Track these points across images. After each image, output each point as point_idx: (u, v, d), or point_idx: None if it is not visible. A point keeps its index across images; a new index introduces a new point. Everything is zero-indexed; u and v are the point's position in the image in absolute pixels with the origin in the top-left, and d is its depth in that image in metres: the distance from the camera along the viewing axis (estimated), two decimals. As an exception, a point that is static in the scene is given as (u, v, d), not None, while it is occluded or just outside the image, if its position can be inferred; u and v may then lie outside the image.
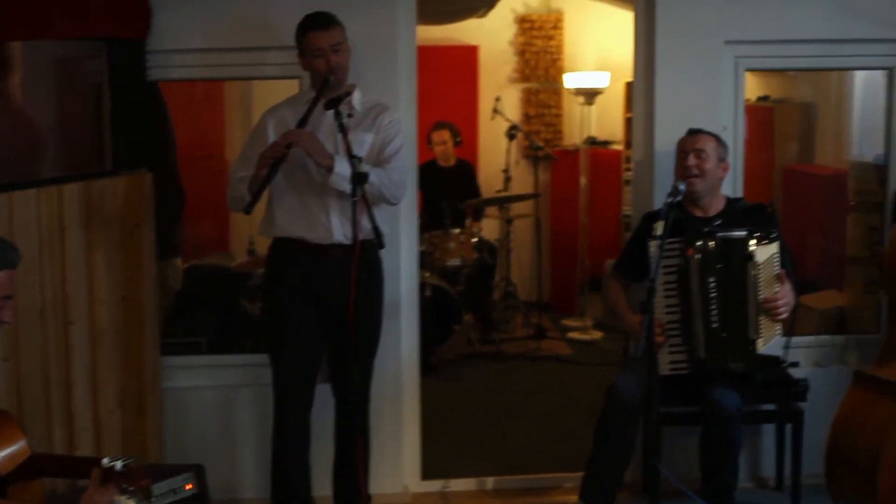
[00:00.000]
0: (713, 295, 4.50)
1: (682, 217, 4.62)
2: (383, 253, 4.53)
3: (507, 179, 9.23)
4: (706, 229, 4.57)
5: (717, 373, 4.54)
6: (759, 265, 4.48)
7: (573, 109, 9.67)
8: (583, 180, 9.19)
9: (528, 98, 9.93)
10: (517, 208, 9.11)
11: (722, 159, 4.77)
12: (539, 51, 9.83)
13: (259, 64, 5.10)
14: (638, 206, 5.28)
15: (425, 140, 8.74)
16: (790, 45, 5.20)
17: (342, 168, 4.21)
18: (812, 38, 5.18)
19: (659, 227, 4.26)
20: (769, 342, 4.51)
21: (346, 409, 4.63)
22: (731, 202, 4.85)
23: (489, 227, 8.98)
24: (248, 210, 4.30)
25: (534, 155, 9.17)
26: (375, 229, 4.09)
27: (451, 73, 9.62)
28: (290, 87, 5.01)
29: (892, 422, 3.87)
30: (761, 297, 4.48)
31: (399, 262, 5.11)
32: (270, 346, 4.63)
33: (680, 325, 4.57)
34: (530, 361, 7.99)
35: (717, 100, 5.16)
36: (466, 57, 9.73)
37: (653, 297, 4.22)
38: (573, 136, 9.78)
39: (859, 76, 6.29)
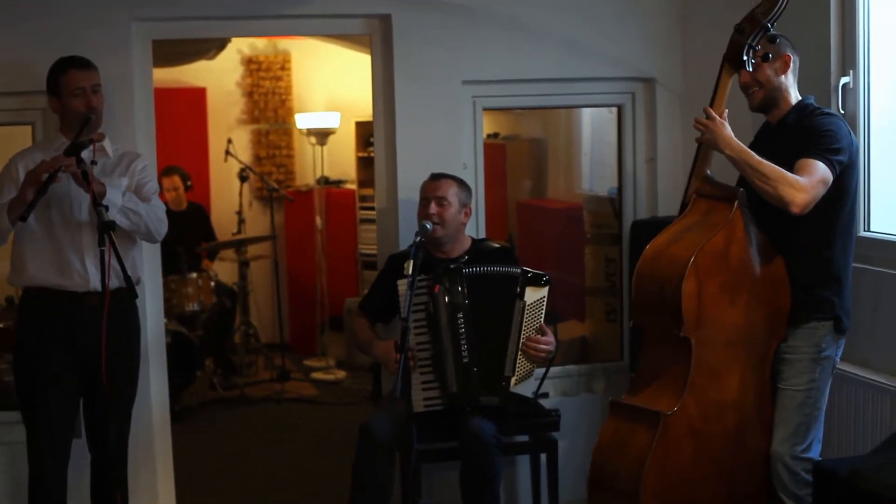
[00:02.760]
0: (462, 330, 4.55)
1: (427, 258, 4.67)
2: (128, 299, 4.46)
3: (241, 221, 9.16)
4: (452, 266, 4.62)
5: (471, 407, 4.59)
6: (526, 305, 4.57)
7: (305, 149, 9.68)
8: (318, 220, 9.18)
9: (259, 139, 9.87)
10: (253, 250, 9.02)
11: (465, 204, 4.81)
12: (267, 92, 9.80)
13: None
14: (383, 248, 5.30)
15: (158, 185, 8.55)
16: (524, 84, 5.38)
17: (114, 195, 4.19)
18: (544, 77, 5.36)
19: (409, 267, 4.29)
20: (522, 382, 4.61)
21: (103, 464, 4.50)
22: (476, 243, 4.92)
23: (226, 270, 8.86)
24: (2, 241, 4.26)
25: (268, 196, 9.10)
26: (127, 278, 3.95)
27: (180, 116, 9.44)
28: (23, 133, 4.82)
29: (649, 448, 4.01)
30: (524, 336, 4.57)
31: (144, 308, 4.97)
32: (23, 403, 4.45)
33: (432, 361, 4.60)
34: (276, 404, 7.92)
35: (458, 139, 5.25)
36: (194, 99, 9.59)
37: (408, 336, 4.24)
38: (306, 176, 9.77)
39: (586, 112, 6.54)
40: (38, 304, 4.41)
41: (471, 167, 5.31)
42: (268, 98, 9.81)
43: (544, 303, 4.61)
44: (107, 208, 3.95)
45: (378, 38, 5.21)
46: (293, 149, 9.95)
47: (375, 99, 5.25)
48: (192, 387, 7.65)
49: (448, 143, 5.22)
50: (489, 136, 7.80)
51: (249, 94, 9.80)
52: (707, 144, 4.21)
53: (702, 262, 4.05)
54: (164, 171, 8.46)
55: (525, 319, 4.58)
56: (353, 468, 4.59)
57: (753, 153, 4.06)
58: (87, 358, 4.32)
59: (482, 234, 5.33)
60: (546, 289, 4.61)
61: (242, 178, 9.06)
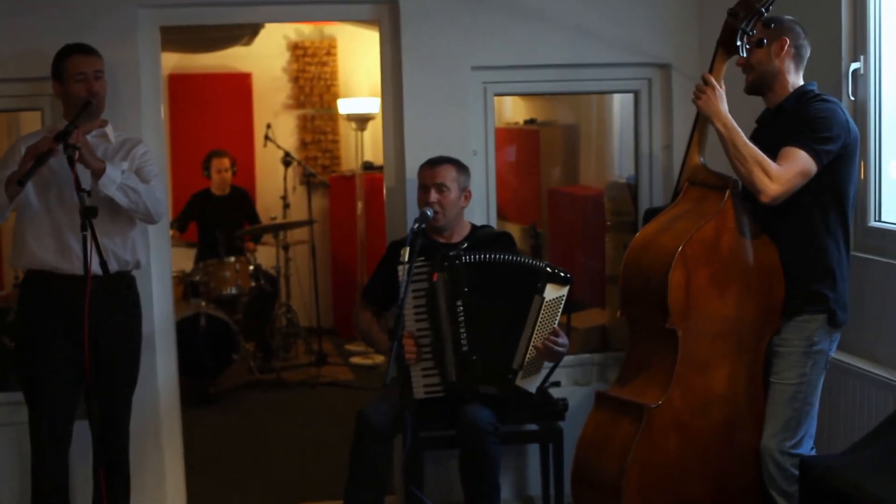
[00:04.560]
0: (461, 319, 4.50)
1: (428, 244, 4.64)
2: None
3: (286, 206, 9.20)
4: (452, 253, 4.58)
5: (471, 395, 4.55)
6: (545, 301, 4.49)
7: (349, 135, 9.67)
8: (359, 205, 9.18)
9: (304, 124, 9.90)
10: (295, 235, 9.05)
11: (464, 188, 4.76)
12: (313, 77, 9.82)
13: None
14: (392, 232, 5.27)
15: (199, 169, 8.65)
16: (537, 69, 5.31)
17: (113, 172, 4.23)
18: (557, 62, 5.28)
19: (405, 254, 4.25)
20: (529, 377, 4.56)
21: (106, 447, 4.46)
22: (475, 229, 4.87)
23: (270, 255, 8.88)
24: (1, 218, 4.30)
25: (309, 181, 9.14)
26: (102, 263, 3.98)
27: (225, 101, 9.56)
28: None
29: (633, 442, 3.94)
30: (537, 332, 4.50)
31: (152, 293, 4.99)
32: (25, 385, 4.51)
33: (431, 348, 4.57)
34: (311, 388, 7.95)
35: (467, 125, 5.20)
36: (240, 84, 9.66)
37: (400, 324, 4.20)
38: (350, 161, 9.77)
39: (616, 98, 6.44)
40: (39, 286, 4.46)
41: (481, 153, 5.25)
42: (313, 83, 9.84)
43: (563, 302, 4.53)
44: (89, 193, 3.96)
45: (386, 24, 5.18)
46: (338, 134, 9.98)
47: (384, 84, 5.23)
48: (229, 370, 7.68)
49: (457, 129, 5.17)
50: (526, 121, 7.75)
51: (295, 80, 9.84)
52: (701, 110, 4.10)
53: (690, 252, 3.97)
54: (214, 153, 8.60)
55: (541, 316, 4.50)
56: (350, 456, 4.58)
57: (742, 134, 3.96)
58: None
59: (493, 224, 5.28)
60: (567, 288, 4.52)
61: (286, 163, 9.09)
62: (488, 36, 5.17)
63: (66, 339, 4.39)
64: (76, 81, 4.40)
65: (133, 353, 4.64)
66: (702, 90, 4.09)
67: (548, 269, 4.53)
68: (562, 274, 4.51)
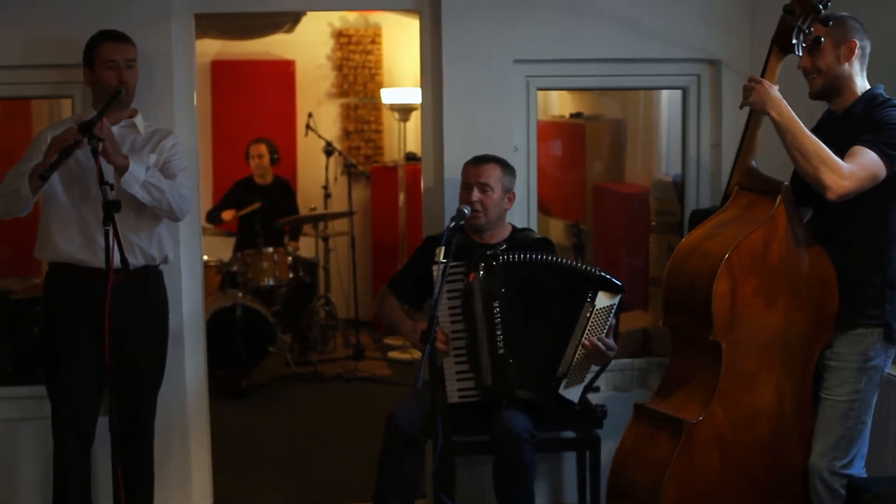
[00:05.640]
0: (498, 320, 4.34)
1: (465, 242, 4.48)
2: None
3: (327, 196, 9.07)
4: (489, 252, 4.43)
5: (507, 400, 4.40)
6: (595, 309, 4.33)
7: (392, 125, 9.53)
8: (401, 196, 9.04)
9: (348, 113, 9.78)
10: (336, 226, 8.93)
11: (508, 189, 4.62)
12: (357, 66, 9.69)
13: (25, 83, 4.84)
14: (430, 229, 5.12)
15: (241, 157, 8.61)
16: (581, 64, 5.12)
17: (137, 170, 4.15)
18: (603, 57, 5.11)
19: (440, 253, 4.09)
20: (571, 386, 4.41)
21: (128, 444, 4.40)
22: (515, 231, 4.72)
23: (308, 245, 8.76)
24: (25, 209, 4.24)
25: (350, 172, 9.01)
26: (123, 260, 3.85)
27: (268, 89, 9.47)
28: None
29: (671, 457, 3.76)
30: (586, 340, 4.34)
31: (181, 287, 4.90)
32: (48, 379, 4.43)
33: (466, 350, 4.42)
34: (346, 382, 7.82)
35: (509, 120, 5.04)
36: (283, 72, 9.56)
37: (434, 326, 4.04)
38: (393, 152, 9.64)
39: (664, 93, 6.25)
40: (63, 279, 4.38)
41: (523, 149, 5.09)
42: (357, 72, 9.71)
43: (613, 310, 4.37)
44: (111, 186, 3.85)
45: (427, 15, 5.02)
46: (382, 124, 9.84)
47: (423, 76, 5.07)
48: (265, 362, 7.60)
49: (498, 124, 5.01)
50: (572, 115, 7.57)
51: (339, 68, 9.71)
52: (754, 107, 3.90)
53: (737, 260, 3.78)
54: (252, 141, 8.52)
55: (590, 324, 4.34)
56: (379, 460, 4.48)
57: (801, 124, 3.76)
58: (111, 334, 4.19)
59: (534, 221, 5.14)
60: (619, 297, 4.36)
61: (328, 153, 8.95)
62: (532, 28, 5.00)
63: (90, 334, 4.29)
64: (107, 69, 4.32)
65: (159, 350, 4.56)
66: (750, 88, 3.90)
67: (600, 274, 4.36)
68: (615, 282, 4.35)
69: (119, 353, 4.14)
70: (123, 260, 3.82)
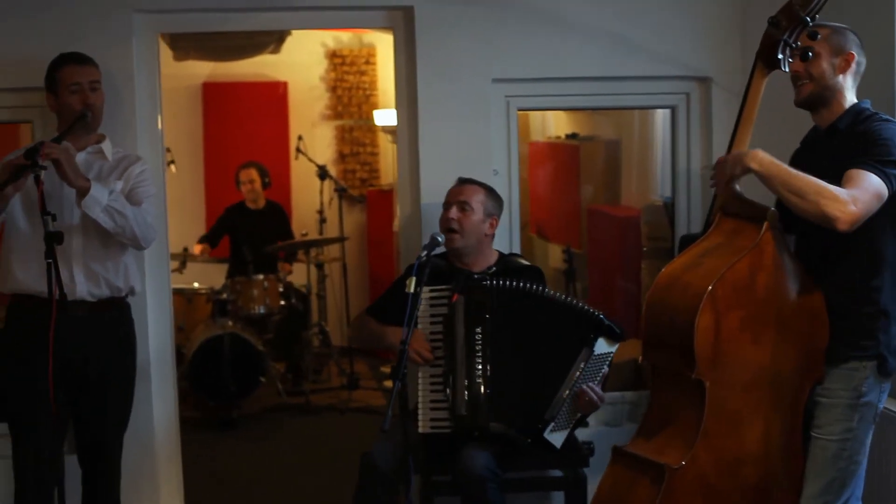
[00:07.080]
0: (478, 348, 4.13)
1: (450, 269, 4.30)
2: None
3: (322, 221, 8.86)
4: (476, 275, 4.24)
5: (481, 433, 4.17)
6: (593, 354, 4.14)
7: (388, 147, 9.33)
8: (395, 221, 8.82)
9: (342, 136, 9.61)
10: (331, 251, 8.74)
11: (490, 214, 4.41)
12: (351, 87, 9.53)
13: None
14: (407, 258, 4.91)
15: (233, 181, 8.44)
16: (564, 83, 4.95)
17: (99, 193, 4.01)
18: (587, 75, 4.92)
19: (411, 285, 3.85)
20: (558, 432, 4.19)
21: (94, 482, 4.35)
22: (503, 257, 4.51)
23: (303, 272, 8.56)
24: None
25: (350, 195, 8.81)
26: (62, 295, 3.65)
27: (260, 111, 9.30)
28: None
29: (652, 505, 3.51)
30: (577, 386, 4.13)
31: (147, 320, 4.73)
32: (8, 417, 4.29)
33: (443, 378, 4.20)
34: (339, 413, 7.59)
35: (488, 142, 4.85)
36: (276, 93, 9.40)
37: (404, 360, 3.79)
38: (389, 175, 9.43)
39: (659, 112, 6.03)
40: (24, 311, 4.24)
41: (503, 173, 4.88)
42: (352, 93, 9.54)
43: (610, 359, 4.20)
44: (54, 217, 3.66)
45: (401, 32, 4.84)
46: (377, 146, 9.66)
47: (398, 97, 4.89)
48: (256, 392, 7.42)
49: (478, 146, 4.83)
50: (568, 136, 7.36)
51: (333, 89, 9.54)
52: (734, 176, 3.67)
53: (721, 292, 3.52)
54: (242, 165, 8.39)
55: (586, 369, 4.14)
56: (353, 499, 4.30)
57: (785, 166, 3.52)
58: (74, 370, 4.13)
59: (517, 247, 4.93)
60: (617, 345, 4.19)
61: (321, 176, 8.74)
62: (511, 46, 4.83)
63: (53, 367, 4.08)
64: (71, 93, 4.20)
65: (126, 387, 4.40)
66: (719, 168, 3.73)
67: (601, 318, 4.17)
68: (616, 329, 4.16)
69: (82, 390, 4.08)
70: (62, 295, 3.62)
